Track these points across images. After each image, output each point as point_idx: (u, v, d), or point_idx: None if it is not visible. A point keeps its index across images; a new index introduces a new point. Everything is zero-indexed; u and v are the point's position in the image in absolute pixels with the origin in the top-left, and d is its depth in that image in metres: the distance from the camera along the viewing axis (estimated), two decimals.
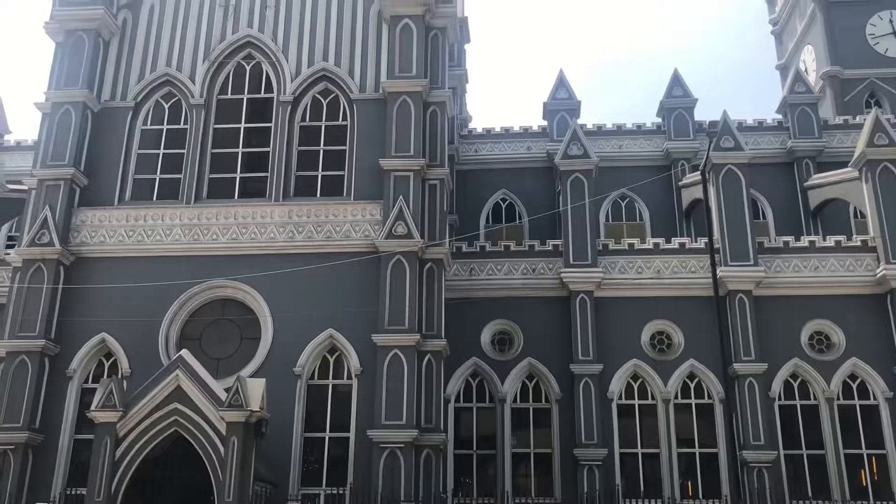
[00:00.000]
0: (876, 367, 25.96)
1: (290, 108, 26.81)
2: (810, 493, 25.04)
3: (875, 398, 25.92)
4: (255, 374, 23.04)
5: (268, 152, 26.48)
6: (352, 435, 23.36)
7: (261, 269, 24.61)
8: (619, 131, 34.93)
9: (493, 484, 25.73)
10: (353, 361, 23.90)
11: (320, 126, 26.96)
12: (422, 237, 24.73)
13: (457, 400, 26.92)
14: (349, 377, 24.04)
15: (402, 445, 22.57)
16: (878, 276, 26.48)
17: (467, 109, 38.43)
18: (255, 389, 20.71)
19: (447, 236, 26.29)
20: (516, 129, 35.73)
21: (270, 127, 26.79)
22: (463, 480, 25.10)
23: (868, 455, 25.56)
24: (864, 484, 25.34)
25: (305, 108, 27.13)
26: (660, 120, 35.01)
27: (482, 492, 24.58)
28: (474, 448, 26.60)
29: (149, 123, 27.45)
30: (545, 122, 35.62)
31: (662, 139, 34.28)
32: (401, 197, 24.99)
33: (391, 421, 22.81)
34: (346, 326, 24.13)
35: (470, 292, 27.65)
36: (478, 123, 36.55)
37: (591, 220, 28.36)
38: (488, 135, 35.75)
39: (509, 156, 35.27)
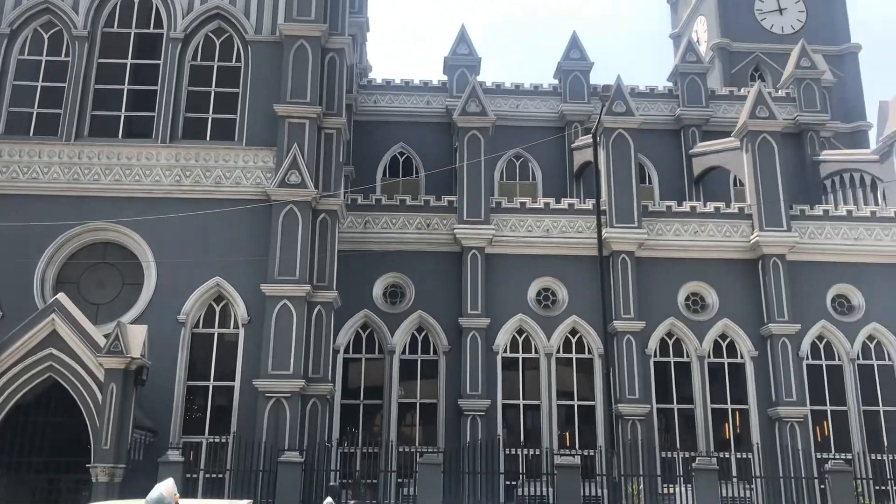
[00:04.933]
0: (744, 328, 27.56)
1: (180, 45, 25.72)
2: (679, 445, 26.56)
3: (742, 357, 27.57)
4: (136, 321, 22.37)
5: (155, 91, 25.40)
6: (237, 384, 23.14)
7: (145, 213, 23.78)
8: (517, 91, 35.22)
9: (379, 433, 26.10)
10: (240, 310, 23.55)
11: (212, 66, 26.03)
12: (316, 187, 24.42)
13: (346, 351, 27.01)
14: (236, 326, 23.71)
15: (289, 395, 22.55)
16: (752, 242, 27.97)
17: (367, 59, 37.84)
18: (136, 336, 20.16)
19: (342, 187, 26.07)
20: (416, 82, 35.49)
21: (159, 65, 25.67)
22: (349, 430, 25.33)
23: (732, 409, 27.26)
24: (728, 436, 27.05)
25: (197, 47, 26.11)
26: (556, 82, 35.50)
27: (368, 441, 24.85)
28: (361, 398, 26.85)
29: (26, 53, 25.82)
30: (445, 77, 35.53)
31: (558, 101, 34.80)
32: (295, 145, 24.55)
33: (278, 371, 22.72)
34: (235, 275, 23.70)
35: (363, 245, 27.61)
36: (378, 74, 36.16)
37: (486, 178, 28.71)
38: (388, 86, 35.39)
39: (408, 109, 35.03)
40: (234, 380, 23.22)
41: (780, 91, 34.78)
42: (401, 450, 24.52)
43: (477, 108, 29.37)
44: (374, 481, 23.81)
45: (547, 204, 28.74)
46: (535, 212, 28.54)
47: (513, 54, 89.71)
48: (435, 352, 27.24)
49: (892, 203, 28.97)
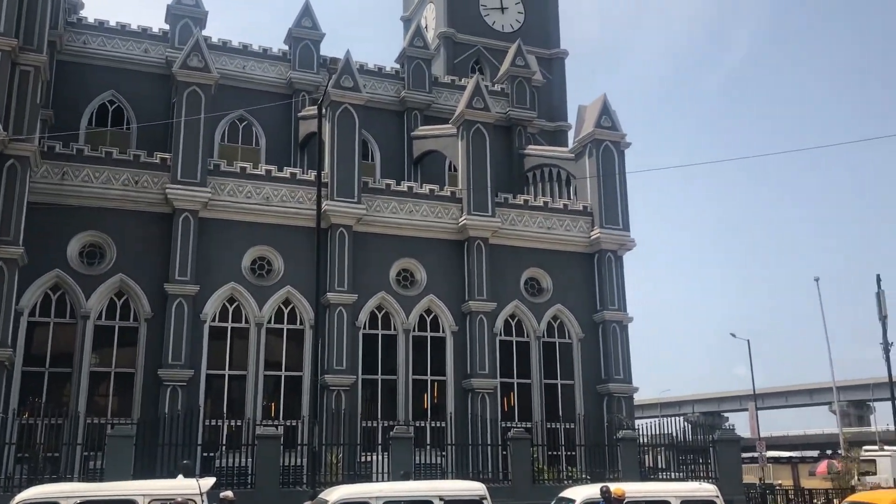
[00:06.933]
0: (448, 304, 29.24)
1: None
2: (380, 414, 27.57)
3: (444, 331, 29.24)
4: None
5: None
6: None
7: None
8: (245, 51, 34.01)
9: (67, 403, 24.08)
10: None
11: None
12: (5, 129, 21.85)
13: (32, 314, 24.54)
14: None
15: None
16: (460, 224, 29.67)
17: None
18: None
19: (38, 132, 23.54)
20: (134, 27, 32.84)
21: None
22: (31, 399, 22.98)
23: (432, 381, 28.86)
24: (426, 406, 28.61)
25: None
26: (287, 48, 34.82)
27: (52, 412, 22.76)
28: (48, 365, 24.56)
29: None
30: (167, 27, 33.29)
31: (287, 67, 34.16)
32: None
33: None
34: None
35: (59, 198, 25.20)
36: (90, 13, 32.84)
37: (205, 138, 27.51)
38: (101, 28, 32.34)
39: (123, 55, 32.30)
40: None
41: (496, 86, 37.09)
42: (91, 421, 22.80)
43: (200, 63, 27.96)
44: (58, 455, 21.90)
45: (269, 171, 28.22)
46: (255, 178, 27.90)
47: (243, 14, 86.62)
48: (136, 318, 25.67)
49: (582, 198, 32.26)
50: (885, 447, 47.17)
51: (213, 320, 26.43)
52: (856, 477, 38.86)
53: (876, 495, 16.21)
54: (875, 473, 38.39)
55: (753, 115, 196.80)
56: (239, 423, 24.89)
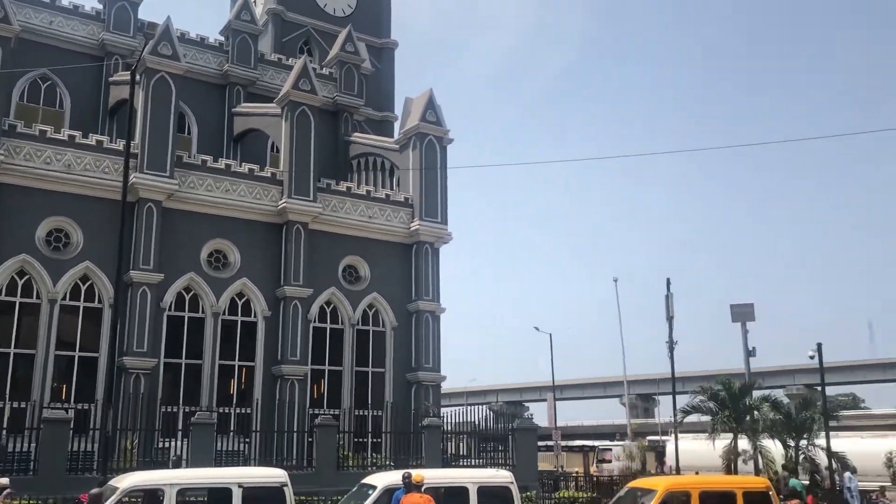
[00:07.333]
0: (262, 289, 28.57)
1: None
2: (183, 400, 26.51)
3: (256, 316, 28.55)
4: None
5: None
6: None
7: None
8: (53, 5, 31.43)
9: None
10: None
11: None
12: None
13: None
14: None
15: None
16: (279, 207, 29.06)
17: None
18: None
19: None
20: None
21: None
22: None
23: (240, 366, 28.12)
24: (232, 392, 27.84)
25: None
26: (101, 7, 32.52)
27: None
28: None
29: None
30: None
31: (100, 28, 31.92)
32: None
33: None
34: None
35: None
36: None
37: (1, 96, 25.16)
38: None
39: None
40: None
41: (324, 69, 36.60)
42: None
43: None
44: None
45: (72, 137, 26.31)
46: (57, 143, 25.94)
47: None
48: None
49: (405, 190, 32.59)
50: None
51: (0, 294, 24.29)
52: (594, 465, 42.57)
53: (654, 481, 17.58)
54: (610, 462, 42.67)
55: (578, 115, 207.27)
56: (24, 406, 23.08)
